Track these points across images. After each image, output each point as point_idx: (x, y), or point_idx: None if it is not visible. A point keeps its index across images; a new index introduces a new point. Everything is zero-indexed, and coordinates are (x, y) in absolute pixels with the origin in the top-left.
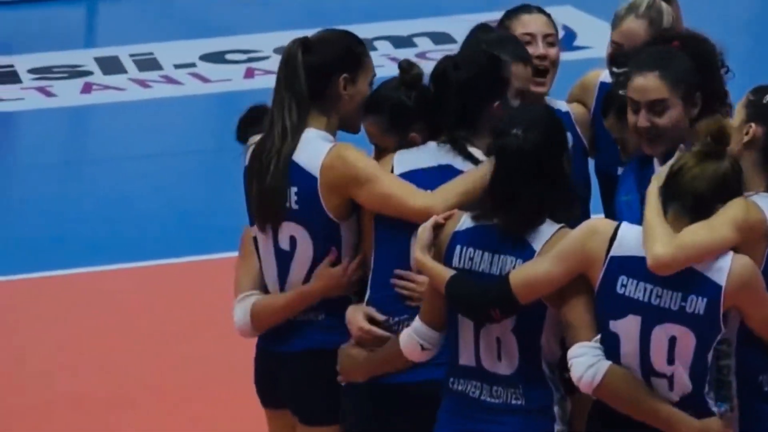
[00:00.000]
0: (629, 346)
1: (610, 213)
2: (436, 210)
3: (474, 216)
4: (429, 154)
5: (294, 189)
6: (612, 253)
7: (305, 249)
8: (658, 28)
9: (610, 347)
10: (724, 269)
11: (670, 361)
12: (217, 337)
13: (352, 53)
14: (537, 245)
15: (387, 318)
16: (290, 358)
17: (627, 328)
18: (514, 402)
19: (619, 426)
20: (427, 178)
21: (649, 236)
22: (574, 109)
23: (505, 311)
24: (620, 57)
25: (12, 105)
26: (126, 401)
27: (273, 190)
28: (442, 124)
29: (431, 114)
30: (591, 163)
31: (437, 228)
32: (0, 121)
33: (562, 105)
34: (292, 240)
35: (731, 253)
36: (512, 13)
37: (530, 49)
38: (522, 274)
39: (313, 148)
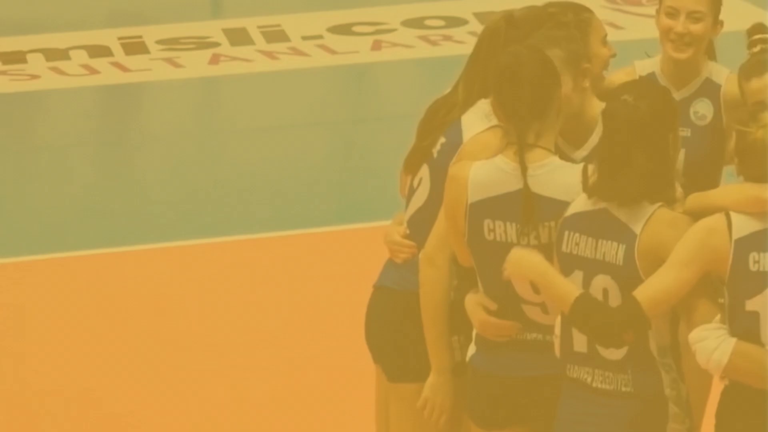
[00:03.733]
0: None
1: None
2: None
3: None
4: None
5: (443, 140)
6: (735, 236)
7: (423, 191)
8: None
9: (749, 328)
10: None
11: None
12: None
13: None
14: (636, 228)
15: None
16: None
17: (766, 302)
18: (624, 389)
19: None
20: None
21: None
22: (729, 81)
23: (638, 331)
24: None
25: (140, 76)
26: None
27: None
28: None
29: None
30: None
31: None
32: (127, 92)
33: (721, 76)
34: (421, 180)
35: None
36: None
37: (670, 23)
38: (649, 291)
39: (476, 119)
